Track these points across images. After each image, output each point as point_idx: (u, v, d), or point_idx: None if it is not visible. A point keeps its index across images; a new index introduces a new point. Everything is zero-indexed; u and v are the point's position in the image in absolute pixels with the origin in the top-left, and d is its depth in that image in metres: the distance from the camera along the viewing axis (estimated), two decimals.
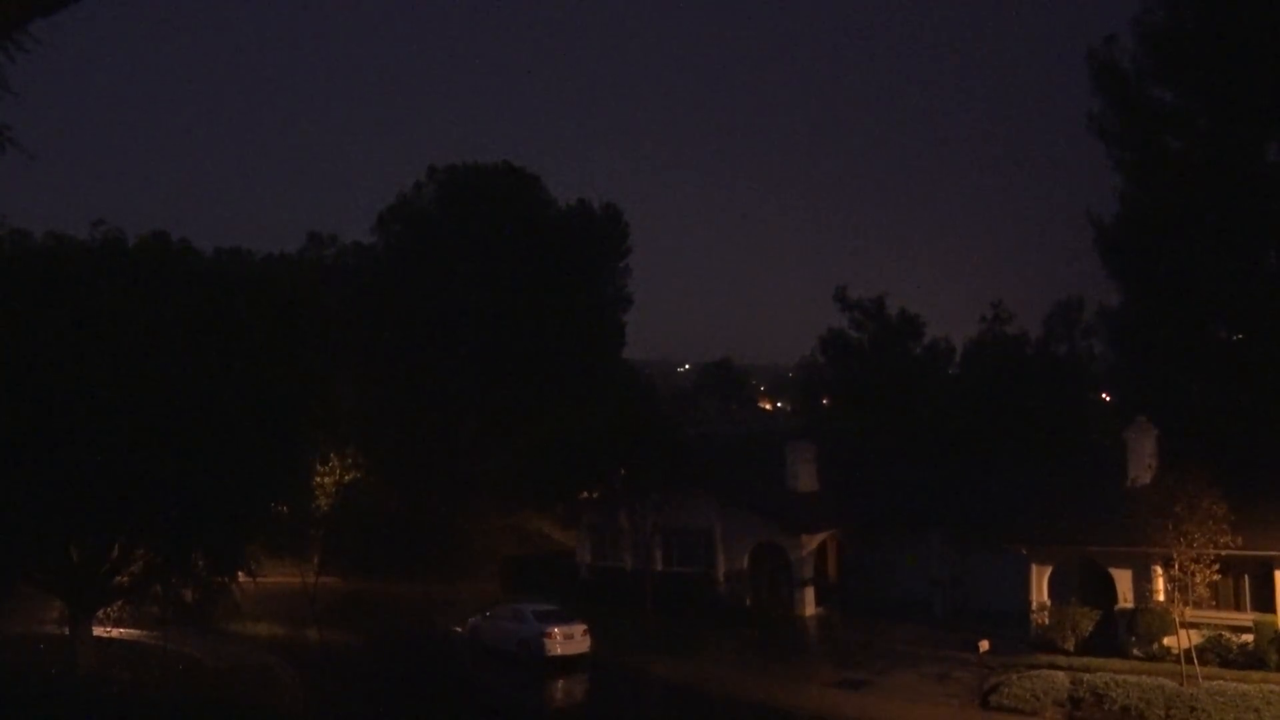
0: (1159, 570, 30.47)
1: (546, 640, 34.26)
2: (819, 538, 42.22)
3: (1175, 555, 27.59)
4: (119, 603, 31.78)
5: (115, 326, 25.99)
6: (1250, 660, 28.60)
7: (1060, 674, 28.13)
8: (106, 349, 25.86)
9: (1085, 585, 32.68)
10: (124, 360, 25.91)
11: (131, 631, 35.79)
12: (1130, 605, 31.37)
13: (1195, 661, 27.15)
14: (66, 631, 29.80)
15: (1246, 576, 30.21)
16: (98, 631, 31.18)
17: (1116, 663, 29.27)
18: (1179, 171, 38.50)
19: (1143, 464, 34.21)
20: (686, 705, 30.63)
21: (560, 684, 33.21)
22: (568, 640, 34.51)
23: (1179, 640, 27.84)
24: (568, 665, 34.16)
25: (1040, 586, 33.42)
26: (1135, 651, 30.34)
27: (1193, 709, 25.06)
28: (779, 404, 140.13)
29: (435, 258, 60.91)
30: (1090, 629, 31.44)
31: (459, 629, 39.13)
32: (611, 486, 41.54)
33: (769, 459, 46.63)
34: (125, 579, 29.73)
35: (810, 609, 40.91)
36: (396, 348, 57.39)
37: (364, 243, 66.10)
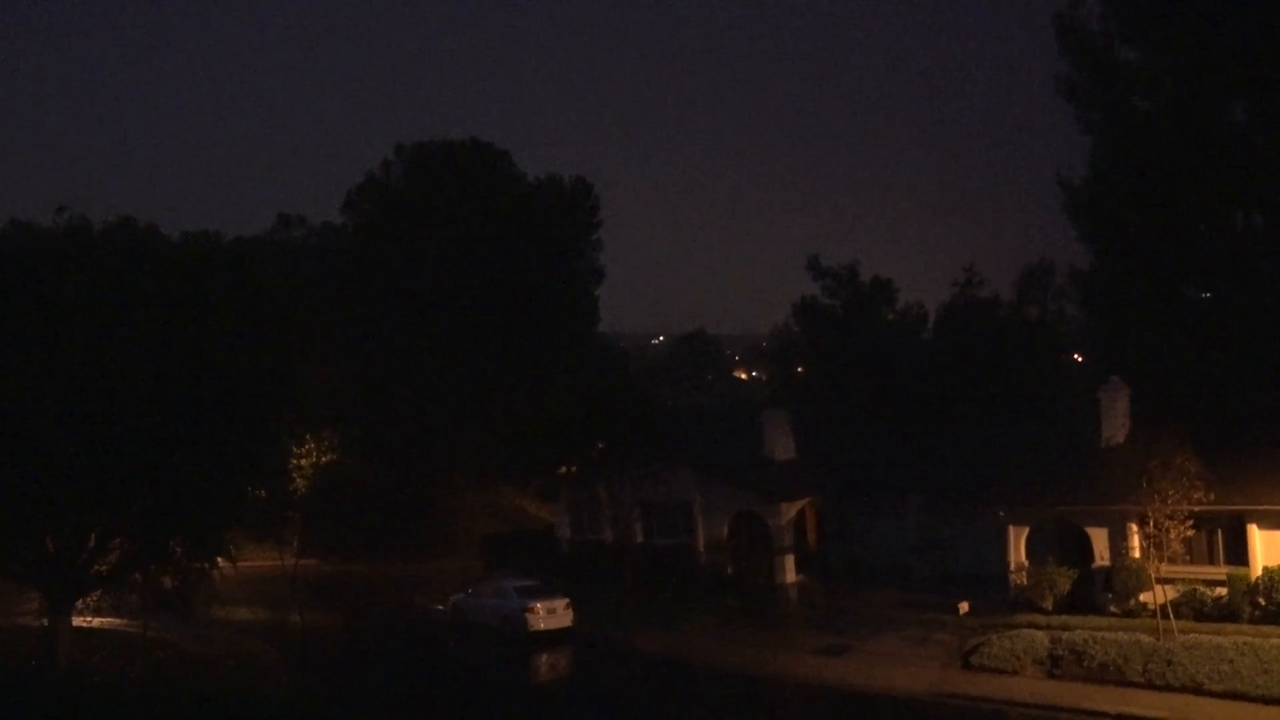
0: (1134, 528, 30.79)
1: (529, 616, 34.37)
2: (797, 506, 42.41)
3: (1150, 512, 27.88)
4: (98, 592, 31.60)
5: (83, 313, 25.73)
6: (1225, 613, 28.97)
7: (1039, 633, 28.41)
8: (74, 336, 25.60)
9: (1062, 545, 32.98)
10: (93, 347, 25.66)
11: (112, 620, 35.61)
12: (1107, 563, 31.69)
13: (1171, 616, 27.48)
14: (45, 623, 29.59)
15: (1220, 531, 30.54)
16: (77, 622, 31.02)
17: (1094, 620, 29.61)
18: (1146, 132, 38.57)
19: (1116, 423, 34.52)
20: (670, 676, 30.80)
21: (544, 659, 33.33)
22: (550, 615, 34.63)
23: (1155, 596, 28.18)
24: (551, 640, 34.28)
25: (1018, 547, 33.69)
26: (1112, 608, 30.70)
27: (1169, 663, 25.38)
28: (754, 373, 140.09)
29: (405, 236, 60.55)
30: (1068, 588, 31.73)
31: (441, 607, 39.16)
32: (589, 461, 41.51)
33: (745, 428, 46.73)
34: (103, 568, 29.54)
35: (790, 577, 41.14)
36: (369, 327, 57.08)
37: (334, 223, 65.66)
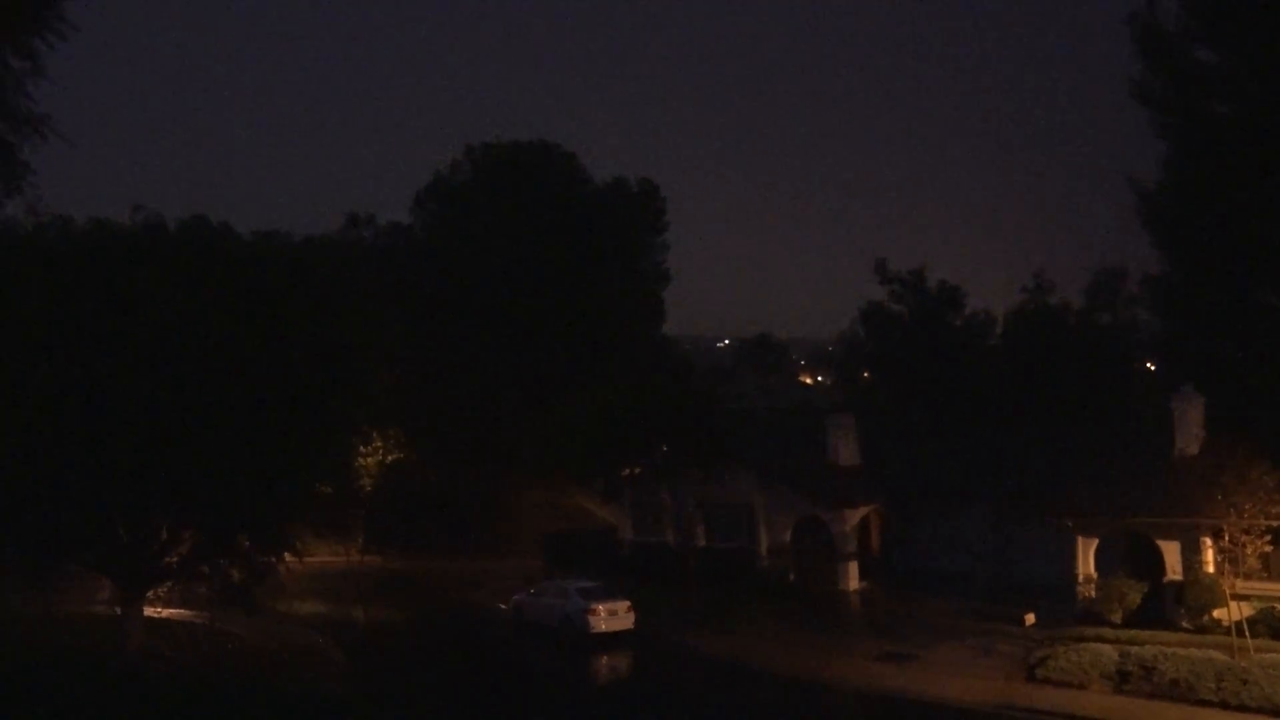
0: (1208, 542, 30.10)
1: (590, 617, 34.40)
2: (861, 512, 42.07)
3: (1225, 526, 27.23)
4: (168, 583, 32.20)
5: (157, 310, 26.22)
6: None
7: (1107, 647, 27.81)
8: (149, 332, 26.11)
9: (1132, 557, 32.33)
10: (167, 343, 26.16)
11: (180, 611, 36.28)
12: (1179, 577, 30.98)
13: (1246, 634, 26.76)
14: (118, 611, 30.24)
15: None
16: (148, 611, 31.64)
17: (1165, 635, 28.89)
18: (1224, 136, 37.75)
19: (1190, 434, 33.76)
20: (730, 681, 30.65)
21: (604, 660, 33.34)
22: (611, 617, 34.63)
23: (1229, 612, 27.47)
24: (611, 642, 34.28)
25: (1086, 559, 33.10)
26: (1184, 624, 29.98)
27: (1244, 682, 24.68)
28: (819, 378, 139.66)
29: (472, 236, 61.06)
30: (1138, 601, 31.09)
31: (502, 606, 39.36)
32: (652, 462, 41.55)
33: (810, 433, 46.50)
34: (174, 559, 30.10)
35: (853, 583, 40.80)
36: (435, 326, 57.61)
37: (402, 223, 66.39)
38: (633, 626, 34.96)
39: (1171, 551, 31.41)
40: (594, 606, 34.66)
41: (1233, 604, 27.41)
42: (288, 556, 30.22)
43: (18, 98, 23.23)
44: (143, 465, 26.33)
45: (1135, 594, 31.18)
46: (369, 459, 43.57)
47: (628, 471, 43.51)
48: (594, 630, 34.32)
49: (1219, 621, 28.68)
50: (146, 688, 25.87)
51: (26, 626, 32.63)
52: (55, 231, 27.96)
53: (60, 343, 25.83)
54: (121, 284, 26.45)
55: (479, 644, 36.01)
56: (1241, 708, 24.17)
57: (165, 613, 35.66)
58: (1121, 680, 26.29)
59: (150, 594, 31.37)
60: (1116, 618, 30.87)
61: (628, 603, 35.22)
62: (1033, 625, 31.47)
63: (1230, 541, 27.22)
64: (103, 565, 30.26)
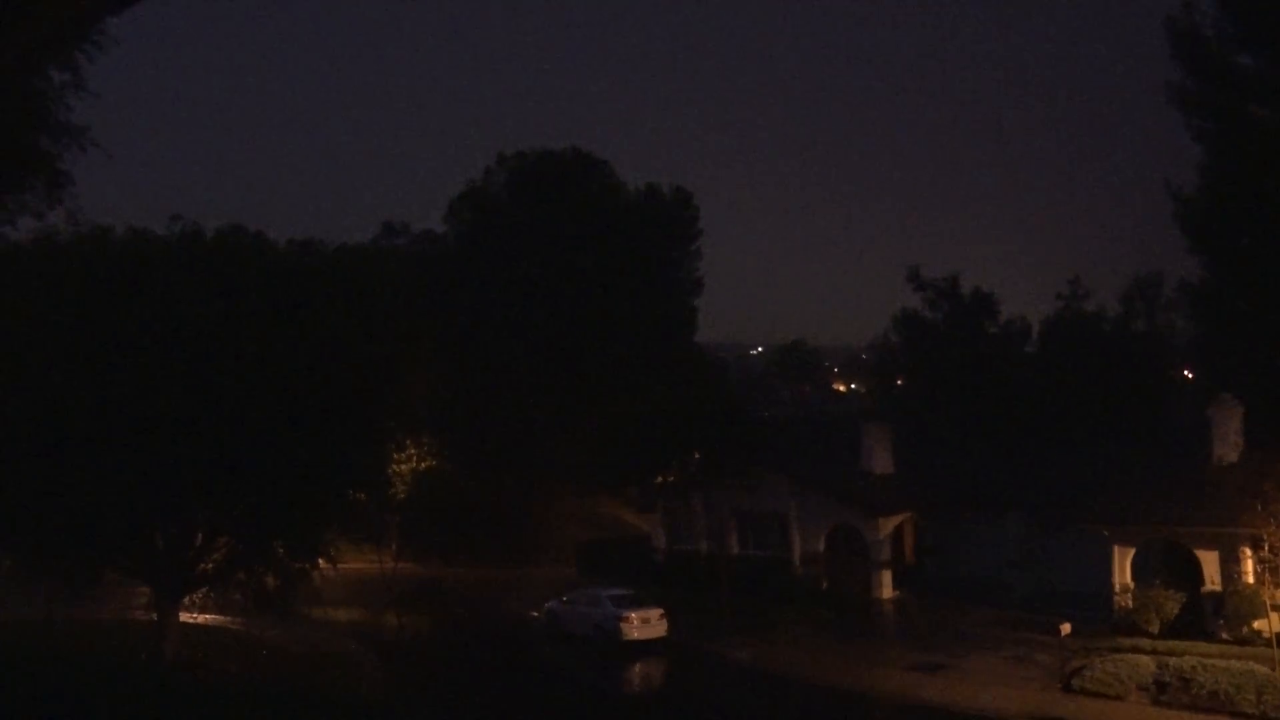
0: (1247, 551, 29.72)
1: (623, 625, 34.42)
2: (895, 520, 41.83)
3: (1265, 536, 26.91)
4: (204, 589, 32.50)
5: (194, 318, 26.50)
6: None
7: (1145, 657, 27.54)
8: (186, 341, 26.38)
9: (1169, 567, 31.98)
10: (203, 351, 26.42)
11: (216, 617, 36.59)
12: (1217, 588, 30.62)
13: None
14: (154, 617, 30.53)
15: None
16: (184, 617, 31.94)
17: (1203, 646, 28.58)
18: (1263, 139, 37.34)
19: (1228, 442, 33.37)
20: (763, 689, 30.57)
21: (637, 668, 33.35)
22: (644, 624, 34.64)
23: (1269, 623, 27.14)
24: (644, 649, 34.27)
25: (1123, 568, 32.77)
26: (1223, 635, 29.62)
27: None
28: (853, 385, 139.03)
29: (505, 244, 61.20)
30: (1175, 612, 30.74)
31: (536, 613, 39.43)
32: (686, 470, 41.46)
33: (844, 441, 46.28)
34: (209, 566, 30.37)
35: (887, 591, 40.58)
36: (469, 334, 57.79)
37: (435, 231, 66.65)
38: (665, 634, 34.95)
39: (1210, 561, 31.05)
40: (627, 614, 34.67)
41: (1273, 615, 27.08)
42: (322, 563, 30.44)
43: (59, 110, 23.56)
44: (179, 472, 26.60)
45: (1173, 604, 30.84)
46: (403, 466, 43.74)
47: (661, 480, 43.39)
48: (627, 638, 34.34)
49: (1259, 633, 28.32)
50: (182, 693, 26.10)
51: (64, 632, 33.03)
52: (94, 241, 28.30)
53: (98, 352, 26.15)
54: (159, 293, 26.75)
55: (512, 651, 36.08)
56: None
57: (201, 619, 35.98)
58: (1159, 691, 26.02)
59: (186, 600, 31.68)
60: (1154, 628, 30.55)
61: (660, 610, 35.21)
62: (1068, 635, 31.17)
63: (1270, 551, 26.91)
64: (139, 572, 30.58)
